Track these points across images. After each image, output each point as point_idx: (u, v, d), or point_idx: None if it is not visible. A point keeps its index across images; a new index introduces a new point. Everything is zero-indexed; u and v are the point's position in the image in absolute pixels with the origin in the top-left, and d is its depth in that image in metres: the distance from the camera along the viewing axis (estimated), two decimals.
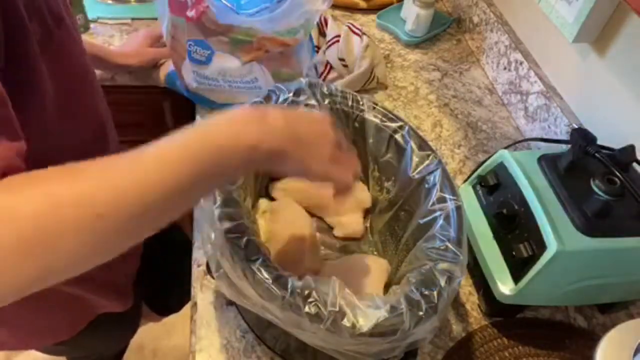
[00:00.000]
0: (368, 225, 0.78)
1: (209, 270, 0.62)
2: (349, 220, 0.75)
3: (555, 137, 0.91)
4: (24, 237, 0.32)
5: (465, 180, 0.79)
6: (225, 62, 0.84)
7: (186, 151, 0.39)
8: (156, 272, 0.93)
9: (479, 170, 0.76)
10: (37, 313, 0.72)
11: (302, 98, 0.68)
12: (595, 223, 0.62)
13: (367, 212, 0.77)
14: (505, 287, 0.66)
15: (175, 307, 1.15)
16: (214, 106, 0.93)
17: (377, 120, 0.69)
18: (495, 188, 0.72)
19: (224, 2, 0.78)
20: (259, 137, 0.42)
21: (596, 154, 0.66)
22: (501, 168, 0.72)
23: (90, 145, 0.66)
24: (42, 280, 0.34)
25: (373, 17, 1.23)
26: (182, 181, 0.38)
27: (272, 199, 0.75)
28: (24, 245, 0.32)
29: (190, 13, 0.77)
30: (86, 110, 0.66)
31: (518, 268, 0.65)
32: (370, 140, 0.71)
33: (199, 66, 0.85)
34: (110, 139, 0.73)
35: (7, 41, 0.42)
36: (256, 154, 0.42)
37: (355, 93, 0.71)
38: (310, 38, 0.90)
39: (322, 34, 1.07)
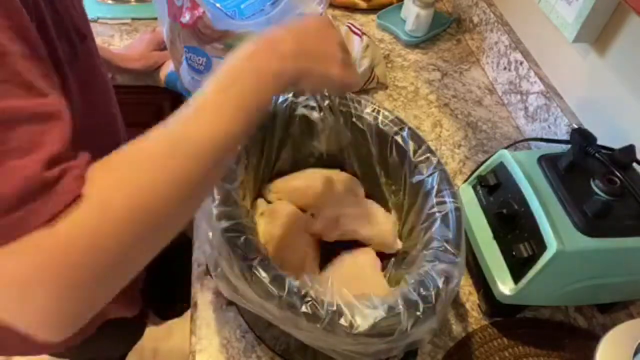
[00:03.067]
0: None
1: (208, 270, 0.62)
2: None
3: (555, 137, 0.91)
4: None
5: (465, 181, 0.79)
6: None
7: (231, 100, 0.42)
8: (160, 276, 0.92)
9: (479, 170, 0.76)
10: None
11: (301, 99, 0.68)
12: (595, 223, 0.62)
13: None
14: (505, 287, 0.66)
15: (179, 312, 1.15)
16: None
17: (377, 121, 0.69)
18: (495, 188, 0.72)
19: (223, 9, 0.78)
20: (278, 66, 0.45)
21: (596, 154, 0.66)
22: (501, 168, 0.72)
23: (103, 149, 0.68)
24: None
25: (373, 17, 1.23)
26: (237, 130, 0.41)
27: (268, 201, 0.75)
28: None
29: (185, 19, 0.76)
30: (103, 116, 0.68)
31: (518, 268, 0.65)
32: (371, 141, 0.71)
33: (197, 74, 0.85)
34: (121, 138, 0.74)
35: None
36: (281, 81, 0.45)
37: (355, 93, 0.71)
38: None
39: None
